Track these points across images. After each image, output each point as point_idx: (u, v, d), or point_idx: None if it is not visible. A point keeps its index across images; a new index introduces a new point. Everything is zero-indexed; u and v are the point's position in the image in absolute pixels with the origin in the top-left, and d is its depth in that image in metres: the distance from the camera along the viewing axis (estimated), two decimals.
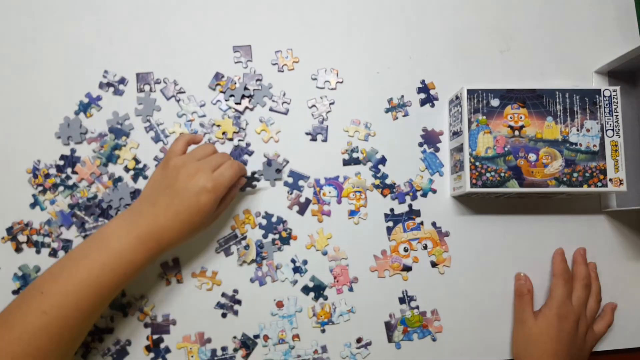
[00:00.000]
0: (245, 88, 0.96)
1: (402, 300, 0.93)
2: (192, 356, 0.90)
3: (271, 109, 0.96)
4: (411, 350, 0.92)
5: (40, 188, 0.92)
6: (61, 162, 0.93)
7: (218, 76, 0.96)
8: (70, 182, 0.93)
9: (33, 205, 0.93)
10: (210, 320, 0.91)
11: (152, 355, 0.90)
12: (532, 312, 0.89)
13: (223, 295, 0.92)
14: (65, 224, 0.92)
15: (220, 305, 0.91)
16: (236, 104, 0.96)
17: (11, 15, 0.97)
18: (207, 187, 0.79)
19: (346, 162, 0.95)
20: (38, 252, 0.91)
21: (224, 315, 0.91)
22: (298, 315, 0.92)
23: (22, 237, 0.91)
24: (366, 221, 0.94)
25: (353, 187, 0.95)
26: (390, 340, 0.92)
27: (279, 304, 0.92)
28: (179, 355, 0.91)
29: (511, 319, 0.93)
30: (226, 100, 0.96)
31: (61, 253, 0.91)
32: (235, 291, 0.92)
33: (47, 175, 0.93)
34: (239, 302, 0.91)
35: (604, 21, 1.01)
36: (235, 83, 0.96)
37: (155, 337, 0.91)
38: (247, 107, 0.96)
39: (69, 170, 0.93)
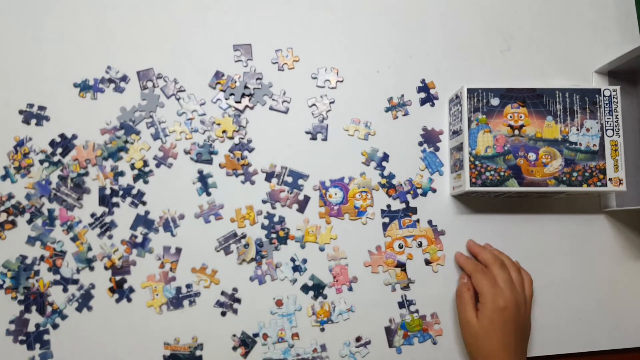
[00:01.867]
0: (246, 87, 0.97)
1: (401, 305, 0.94)
2: (157, 294, 0.92)
3: (271, 108, 0.97)
4: (412, 355, 0.93)
5: (16, 164, 0.94)
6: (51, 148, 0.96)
7: (218, 75, 0.97)
8: (55, 159, 0.94)
9: (3, 178, 0.94)
10: (210, 318, 0.92)
11: (116, 296, 0.92)
12: (474, 311, 0.86)
13: (222, 293, 0.93)
14: (45, 194, 0.94)
15: (219, 304, 0.92)
16: (236, 102, 0.97)
17: (12, 14, 0.99)
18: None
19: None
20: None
21: (223, 314, 0.92)
22: (297, 314, 0.93)
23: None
24: (364, 218, 0.95)
25: (359, 187, 0.96)
26: (391, 345, 0.93)
27: (279, 303, 0.93)
28: (144, 294, 0.92)
29: None
30: (226, 99, 0.97)
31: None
32: (235, 290, 0.93)
33: (26, 155, 0.94)
34: (238, 300, 0.92)
35: (604, 21, 1.02)
36: (236, 82, 0.97)
37: (117, 278, 0.92)
38: (247, 106, 0.97)
39: (59, 150, 0.95)
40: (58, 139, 0.95)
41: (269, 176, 0.95)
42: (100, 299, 0.92)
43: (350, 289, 0.93)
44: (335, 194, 0.95)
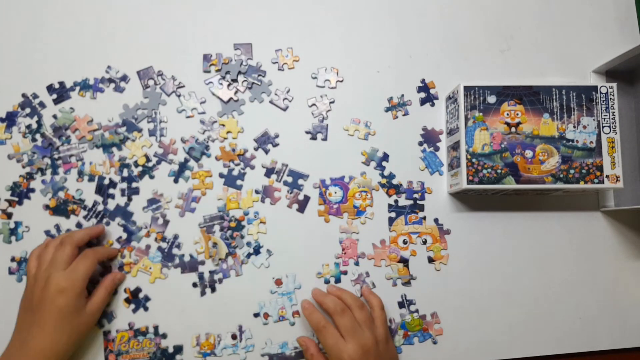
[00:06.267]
0: (240, 72, 1.03)
1: (401, 305, 0.99)
2: (150, 268, 0.97)
3: (271, 102, 1.03)
4: (412, 355, 0.97)
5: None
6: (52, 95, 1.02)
7: (207, 57, 1.03)
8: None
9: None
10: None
11: (132, 306, 0.97)
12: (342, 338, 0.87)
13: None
14: (46, 154, 1.00)
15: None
16: (232, 80, 1.03)
17: (12, 13, 1.04)
18: (60, 287, 0.83)
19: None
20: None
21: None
22: (297, 292, 0.98)
23: None
24: (362, 218, 1.00)
25: (359, 186, 1.01)
26: None
27: (278, 282, 0.98)
28: (159, 297, 0.98)
29: (511, 317, 0.99)
30: (223, 77, 1.03)
31: None
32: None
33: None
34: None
35: (604, 21, 1.08)
36: (231, 59, 1.03)
37: (132, 288, 0.97)
38: (246, 85, 1.03)
39: (54, 96, 1.02)
40: (57, 85, 1.02)
41: (269, 172, 1.01)
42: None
43: (357, 263, 0.99)
44: (335, 192, 1.01)
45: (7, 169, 0.99)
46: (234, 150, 1.01)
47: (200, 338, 0.96)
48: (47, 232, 0.98)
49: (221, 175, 1.00)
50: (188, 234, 0.98)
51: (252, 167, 1.01)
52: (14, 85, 1.02)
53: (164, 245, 0.98)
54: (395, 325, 0.98)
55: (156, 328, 0.96)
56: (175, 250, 0.98)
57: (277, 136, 1.02)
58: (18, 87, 1.02)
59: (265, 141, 1.01)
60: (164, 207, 0.99)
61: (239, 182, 1.00)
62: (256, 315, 0.97)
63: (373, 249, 0.99)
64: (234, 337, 0.96)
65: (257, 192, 1.00)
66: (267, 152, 1.01)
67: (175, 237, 0.98)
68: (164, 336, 0.96)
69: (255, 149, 1.01)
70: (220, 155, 1.01)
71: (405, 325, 0.98)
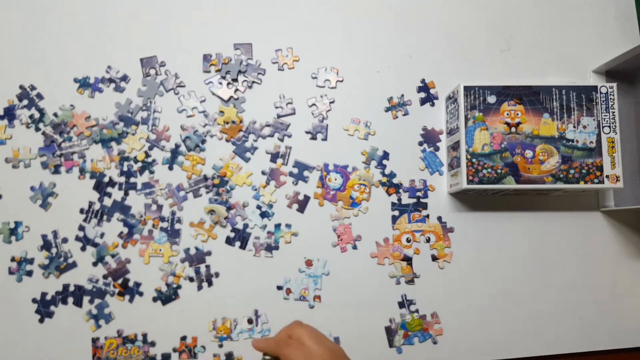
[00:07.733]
0: (240, 72, 1.04)
1: (401, 305, 0.99)
2: (160, 250, 0.99)
3: (278, 115, 1.03)
4: (412, 355, 0.98)
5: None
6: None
7: (207, 57, 1.04)
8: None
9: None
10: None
11: (127, 297, 0.98)
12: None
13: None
14: (49, 152, 1.01)
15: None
16: (233, 80, 1.04)
17: (12, 13, 1.05)
18: None
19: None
20: None
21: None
22: (325, 278, 0.99)
23: None
24: (371, 209, 1.01)
25: (359, 179, 1.02)
26: (391, 345, 0.98)
27: (308, 263, 0.99)
28: (151, 276, 0.99)
29: (511, 317, 0.99)
30: (223, 77, 1.04)
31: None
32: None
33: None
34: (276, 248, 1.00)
35: (604, 21, 1.09)
36: (230, 59, 1.04)
37: (119, 281, 0.98)
38: (246, 83, 1.04)
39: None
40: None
41: (274, 157, 1.01)
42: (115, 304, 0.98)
43: (354, 247, 1.00)
44: (335, 179, 1.01)
45: (8, 168, 1.00)
46: (234, 122, 1.02)
47: (216, 323, 0.97)
48: (44, 237, 0.98)
49: (233, 143, 1.01)
50: (188, 224, 1.00)
51: (264, 137, 1.02)
52: (14, 85, 1.02)
53: (165, 225, 0.99)
54: (395, 325, 0.98)
55: (145, 336, 0.97)
56: (177, 226, 0.99)
57: (290, 136, 1.03)
58: (17, 88, 1.02)
59: (277, 127, 1.03)
60: (157, 194, 1.00)
61: (248, 154, 1.01)
62: (279, 288, 0.98)
63: (377, 247, 1.00)
64: (250, 321, 0.97)
65: (263, 173, 1.01)
66: (264, 137, 1.02)
67: (173, 213, 0.99)
68: (152, 344, 0.97)
69: (266, 125, 1.03)
70: (227, 137, 1.01)
71: (405, 325, 0.98)
